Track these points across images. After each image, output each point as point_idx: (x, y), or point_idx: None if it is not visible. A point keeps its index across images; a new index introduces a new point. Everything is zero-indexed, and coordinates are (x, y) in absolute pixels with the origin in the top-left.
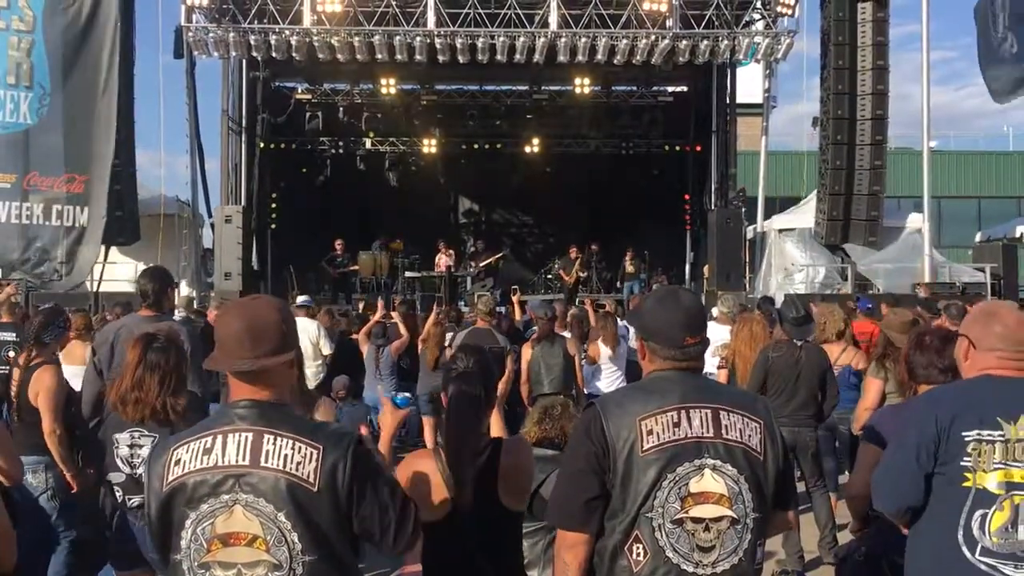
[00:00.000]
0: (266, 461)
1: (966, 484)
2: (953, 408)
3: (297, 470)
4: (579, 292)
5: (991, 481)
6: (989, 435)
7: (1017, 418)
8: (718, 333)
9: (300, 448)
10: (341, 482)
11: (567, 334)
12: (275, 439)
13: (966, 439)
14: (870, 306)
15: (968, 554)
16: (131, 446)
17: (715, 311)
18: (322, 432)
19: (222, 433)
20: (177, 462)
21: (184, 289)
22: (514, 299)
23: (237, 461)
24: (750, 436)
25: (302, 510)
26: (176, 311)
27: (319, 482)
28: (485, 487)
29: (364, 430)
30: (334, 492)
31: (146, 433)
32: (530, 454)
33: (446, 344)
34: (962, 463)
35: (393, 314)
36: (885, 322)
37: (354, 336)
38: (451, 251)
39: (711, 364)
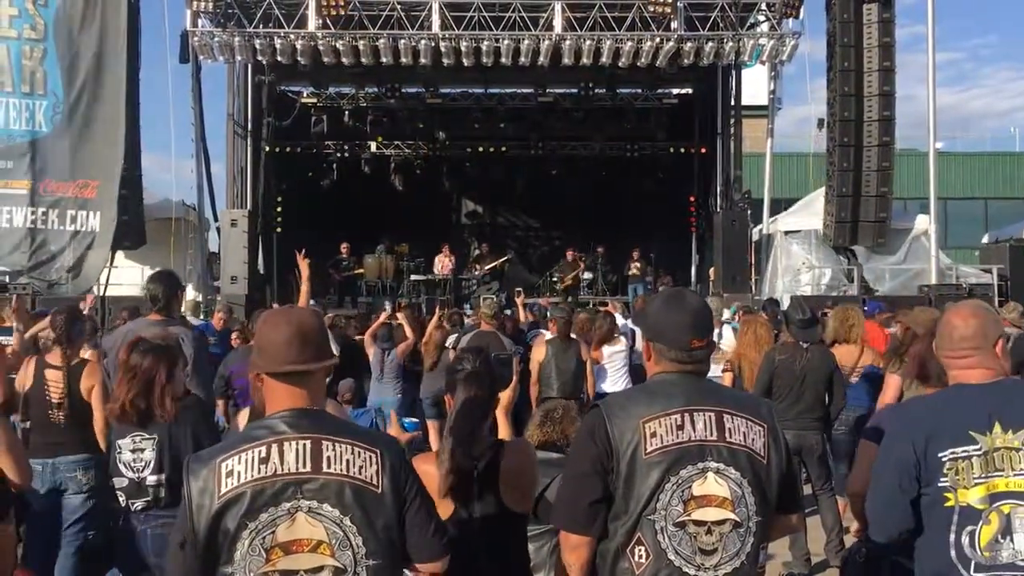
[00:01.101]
0: (328, 467)
1: (948, 504)
2: (926, 429)
3: (361, 473)
4: (580, 295)
5: (974, 496)
6: (964, 451)
7: (992, 427)
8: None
9: (360, 452)
10: (402, 483)
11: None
12: (334, 445)
13: (941, 459)
14: (881, 308)
15: (964, 572)
16: (133, 451)
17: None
18: (375, 436)
19: (277, 442)
20: (229, 473)
21: (190, 293)
22: (518, 301)
23: (297, 468)
24: (754, 440)
25: (367, 513)
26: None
27: (383, 484)
28: (488, 488)
29: None
30: (397, 493)
31: (146, 436)
32: (533, 456)
33: (448, 346)
34: (940, 484)
35: (399, 315)
36: (911, 318)
37: (359, 338)
38: (452, 255)
39: (715, 368)
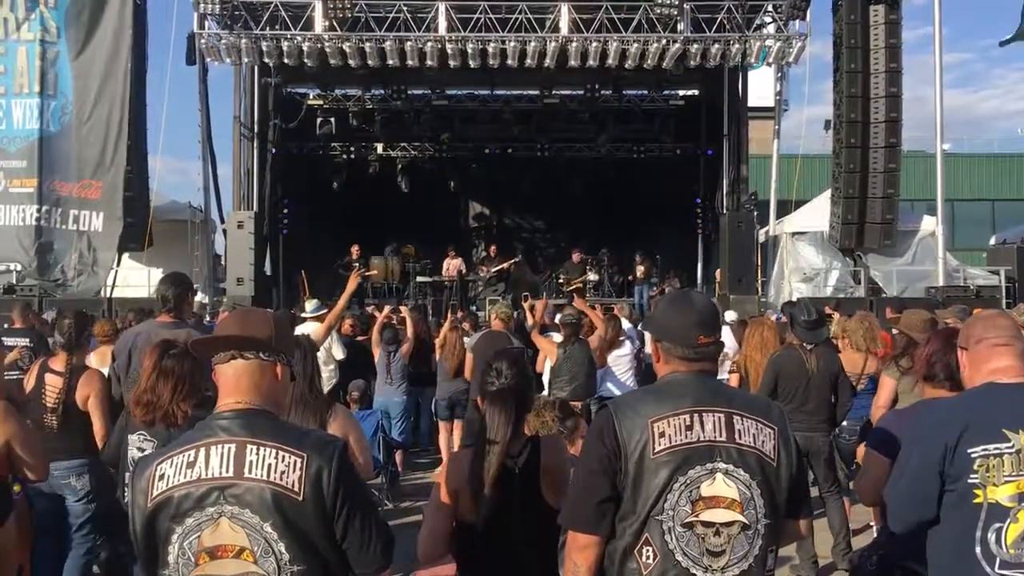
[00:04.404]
0: (250, 472)
1: (977, 500)
2: (958, 425)
3: (281, 479)
4: (585, 296)
5: (1003, 494)
6: (996, 449)
7: None
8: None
9: (284, 457)
10: (326, 490)
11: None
12: (258, 449)
13: (972, 456)
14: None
15: (988, 569)
16: (140, 449)
17: (728, 316)
18: (307, 439)
19: (205, 446)
20: (161, 477)
21: (197, 295)
22: (525, 306)
23: (221, 473)
24: (763, 442)
25: (288, 520)
26: None
27: (304, 491)
28: (529, 485)
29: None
30: (319, 500)
31: (148, 437)
32: (565, 451)
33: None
34: (970, 480)
35: (402, 308)
36: (904, 322)
37: (361, 339)
38: (458, 257)
39: (721, 371)
